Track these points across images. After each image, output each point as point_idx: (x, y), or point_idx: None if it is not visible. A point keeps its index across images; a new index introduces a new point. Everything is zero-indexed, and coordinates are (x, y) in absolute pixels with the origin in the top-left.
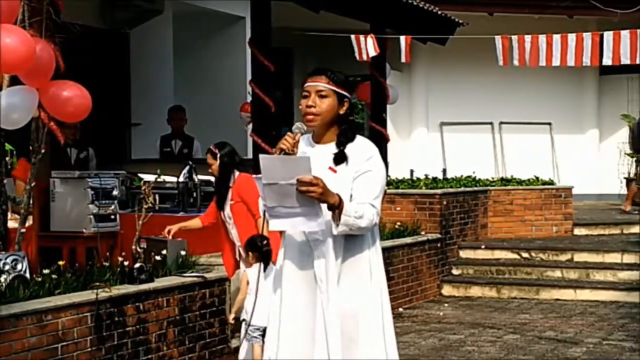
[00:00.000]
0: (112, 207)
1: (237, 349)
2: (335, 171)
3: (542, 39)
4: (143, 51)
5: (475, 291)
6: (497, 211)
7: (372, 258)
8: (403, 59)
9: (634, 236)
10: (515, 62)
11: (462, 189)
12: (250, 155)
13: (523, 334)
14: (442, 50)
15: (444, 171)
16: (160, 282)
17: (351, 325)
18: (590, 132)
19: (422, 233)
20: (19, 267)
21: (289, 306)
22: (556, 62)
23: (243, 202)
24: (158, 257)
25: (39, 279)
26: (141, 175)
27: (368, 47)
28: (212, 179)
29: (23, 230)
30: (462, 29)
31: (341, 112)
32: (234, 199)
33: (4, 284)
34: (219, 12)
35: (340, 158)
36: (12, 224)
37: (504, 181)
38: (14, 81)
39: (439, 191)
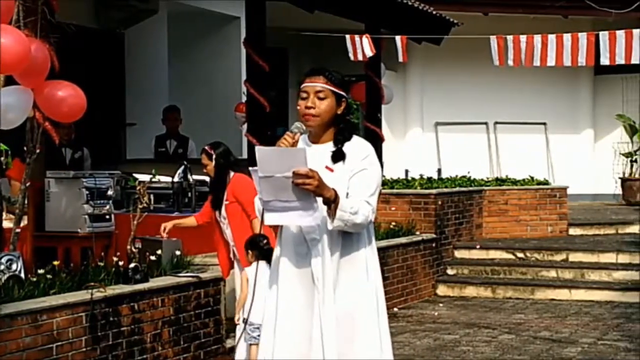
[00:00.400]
0: (107, 207)
1: (232, 349)
2: (332, 170)
3: (538, 39)
4: (138, 51)
5: (470, 291)
6: (492, 211)
7: (368, 257)
8: (400, 59)
9: (629, 236)
10: (510, 62)
11: (457, 189)
12: (245, 155)
13: (518, 334)
14: (437, 50)
15: (439, 171)
16: (155, 282)
17: (347, 325)
18: (585, 132)
19: (417, 233)
20: (13, 267)
21: (285, 305)
22: (551, 62)
23: (238, 202)
24: (153, 257)
25: (34, 279)
26: (136, 175)
27: (364, 47)
28: (207, 179)
29: (18, 230)
30: (457, 29)
31: (339, 112)
32: (228, 199)
33: None
34: (214, 12)
35: (338, 156)
36: (7, 224)
37: (499, 181)
38: (9, 81)
39: (433, 191)
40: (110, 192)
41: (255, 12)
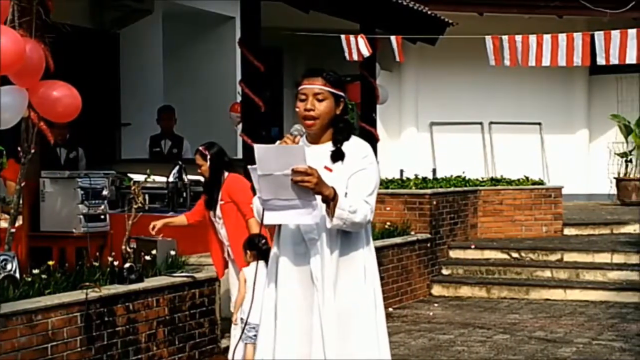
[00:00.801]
0: (102, 207)
1: (226, 349)
2: (331, 170)
3: (533, 39)
4: (133, 51)
5: (465, 291)
6: (486, 211)
7: (366, 257)
8: (397, 59)
9: (624, 236)
10: (507, 62)
11: (452, 189)
12: (240, 156)
13: (513, 334)
14: (432, 50)
15: (434, 171)
16: (150, 282)
17: (345, 324)
18: (580, 132)
19: (412, 233)
20: (8, 267)
21: (284, 305)
22: (546, 62)
23: (233, 202)
24: (148, 257)
25: (29, 279)
26: (131, 175)
27: (360, 47)
28: (202, 179)
29: (13, 230)
30: (451, 29)
31: (337, 112)
32: (223, 199)
33: None
34: (209, 12)
35: (337, 156)
36: (2, 224)
37: (494, 181)
38: (4, 81)
39: (428, 191)
40: (105, 192)
41: (250, 12)
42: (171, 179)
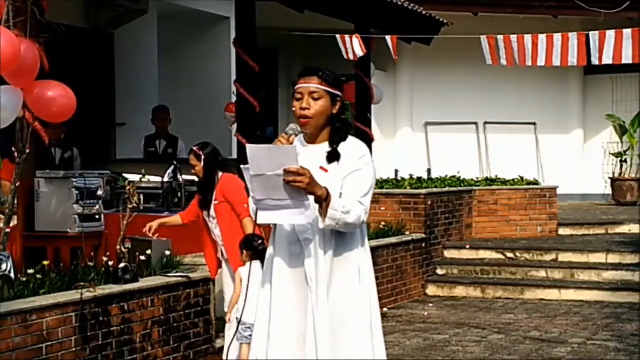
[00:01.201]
0: (97, 207)
1: (221, 349)
2: (326, 171)
3: (528, 38)
4: (128, 51)
5: (459, 291)
6: (481, 211)
7: (361, 258)
8: (394, 58)
9: (619, 236)
10: (504, 62)
11: (447, 189)
12: (235, 156)
13: (508, 334)
14: (427, 50)
15: (429, 171)
16: (145, 282)
17: (339, 325)
18: (574, 132)
19: (407, 233)
20: (3, 267)
21: (279, 305)
22: (541, 62)
23: (227, 202)
24: (143, 257)
25: (24, 279)
26: (126, 175)
27: (354, 47)
28: (197, 179)
29: (8, 230)
30: (446, 29)
31: (334, 111)
32: (217, 199)
33: None
34: (204, 12)
35: (333, 156)
36: None
37: (489, 181)
38: None
39: (423, 191)
40: (100, 192)
41: (245, 12)
42: (166, 179)
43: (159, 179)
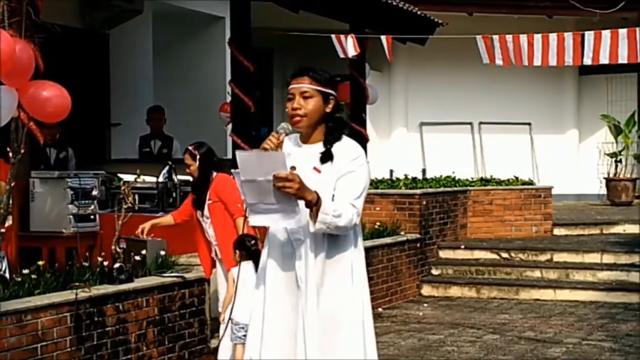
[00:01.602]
0: (92, 207)
1: (216, 349)
2: (319, 171)
3: (523, 38)
4: (122, 51)
5: (454, 291)
6: (476, 211)
7: (354, 258)
8: (388, 58)
9: (614, 236)
10: (500, 62)
11: (442, 189)
12: (229, 156)
13: (502, 334)
14: (422, 50)
15: (424, 171)
16: (140, 282)
17: (331, 326)
18: (569, 132)
19: (402, 233)
20: None
21: (272, 306)
22: (537, 62)
23: (221, 201)
24: (137, 257)
25: (19, 279)
26: (121, 175)
27: (348, 46)
28: (192, 178)
29: (2, 230)
30: (441, 29)
31: (327, 110)
32: (211, 198)
33: None
34: (199, 12)
35: (326, 157)
36: None
37: (484, 181)
38: None
39: (418, 191)
40: (94, 192)
41: (240, 12)
42: (161, 179)
43: (153, 179)
